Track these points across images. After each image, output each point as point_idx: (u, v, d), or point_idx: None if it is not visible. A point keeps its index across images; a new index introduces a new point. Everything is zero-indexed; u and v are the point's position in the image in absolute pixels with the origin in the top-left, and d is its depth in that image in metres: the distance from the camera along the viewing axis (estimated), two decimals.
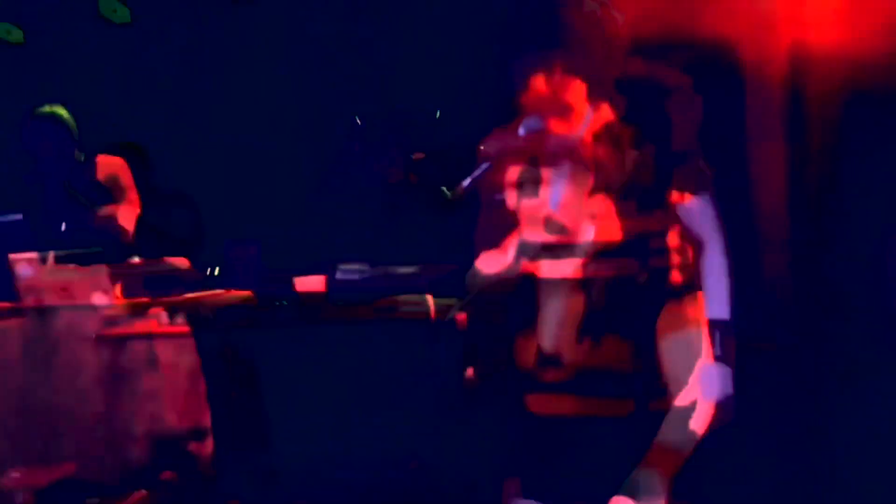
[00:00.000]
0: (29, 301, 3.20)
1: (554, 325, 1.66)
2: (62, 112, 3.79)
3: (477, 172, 1.65)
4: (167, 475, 3.06)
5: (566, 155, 1.63)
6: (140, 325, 3.17)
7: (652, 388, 1.62)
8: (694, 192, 1.66)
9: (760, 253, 3.26)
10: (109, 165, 3.87)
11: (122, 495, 3.09)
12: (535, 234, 1.64)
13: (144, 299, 3.37)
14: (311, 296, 3.00)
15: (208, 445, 3.16)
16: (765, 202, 3.25)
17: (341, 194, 4.08)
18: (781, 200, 3.22)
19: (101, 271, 3.19)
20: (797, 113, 3.20)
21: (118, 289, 3.26)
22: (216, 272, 3.05)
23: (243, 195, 4.17)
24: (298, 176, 4.19)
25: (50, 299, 3.20)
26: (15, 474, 2.80)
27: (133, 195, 3.86)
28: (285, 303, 3.06)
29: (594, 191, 1.63)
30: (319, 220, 4.04)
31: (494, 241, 1.68)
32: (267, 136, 4.27)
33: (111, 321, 3.16)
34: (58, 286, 3.20)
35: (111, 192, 3.83)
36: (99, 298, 3.22)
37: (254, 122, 4.29)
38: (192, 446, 3.13)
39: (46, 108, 3.78)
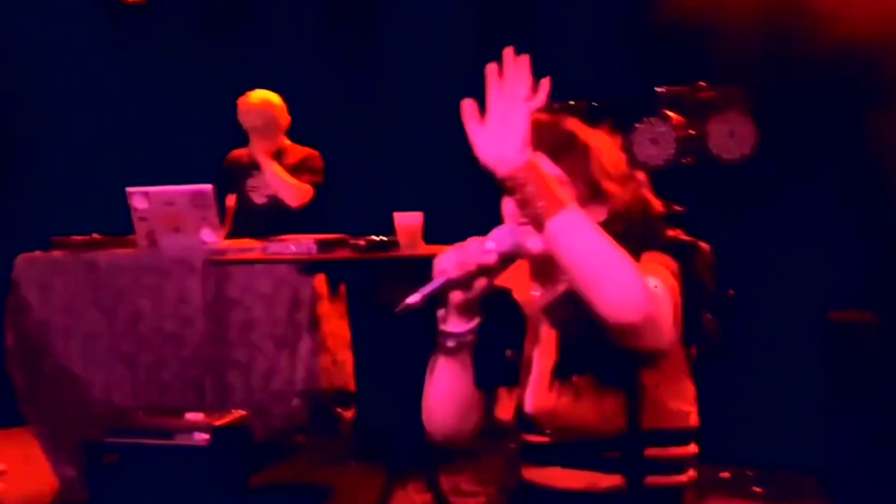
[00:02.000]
0: (142, 232, 3.40)
1: (535, 368, 1.56)
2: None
3: (431, 287, 1.45)
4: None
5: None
6: (242, 256, 3.30)
7: (643, 446, 1.51)
8: None
9: None
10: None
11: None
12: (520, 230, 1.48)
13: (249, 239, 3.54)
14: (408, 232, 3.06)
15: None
16: None
17: None
18: None
19: (212, 209, 3.34)
20: None
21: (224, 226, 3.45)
22: (382, 239, 3.13)
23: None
24: None
25: (161, 232, 3.39)
26: (196, 415, 2.96)
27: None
28: (384, 239, 3.13)
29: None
30: None
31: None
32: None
33: (217, 254, 3.30)
34: (170, 219, 3.37)
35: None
36: (207, 234, 3.38)
37: None
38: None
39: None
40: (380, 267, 3.28)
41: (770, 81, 3.41)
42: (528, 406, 1.56)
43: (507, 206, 1.53)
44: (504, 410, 1.59)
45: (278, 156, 3.90)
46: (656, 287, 1.39)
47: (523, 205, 1.37)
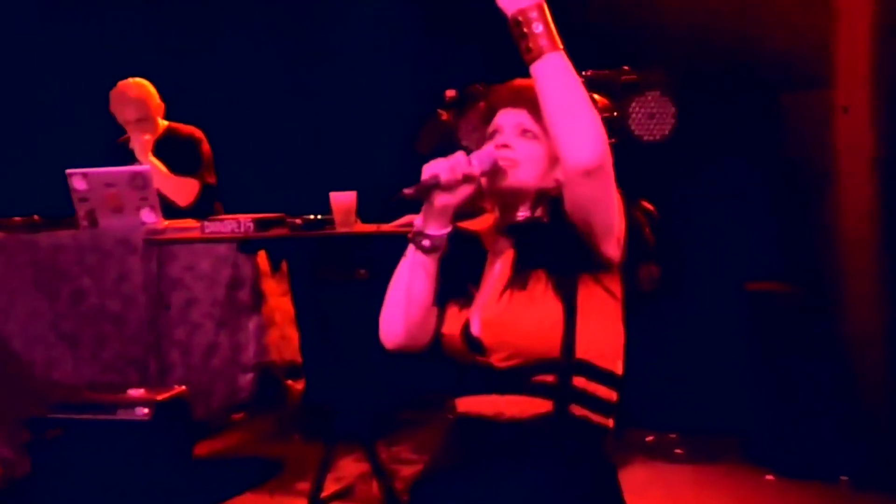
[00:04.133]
0: (82, 213, 3.44)
1: (487, 288, 1.71)
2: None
3: (424, 183, 1.64)
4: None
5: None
6: (182, 236, 3.36)
7: (575, 371, 1.63)
8: None
9: None
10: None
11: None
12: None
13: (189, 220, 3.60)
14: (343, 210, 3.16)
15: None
16: None
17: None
18: None
19: (151, 190, 3.40)
20: None
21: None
22: (318, 217, 3.21)
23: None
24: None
25: (102, 212, 3.43)
26: (138, 391, 3.02)
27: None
28: (319, 217, 3.22)
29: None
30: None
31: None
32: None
33: (156, 233, 3.36)
34: (109, 200, 3.42)
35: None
36: (147, 215, 3.43)
37: None
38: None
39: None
40: (318, 245, 3.37)
41: (690, 64, 3.58)
42: (476, 317, 1.69)
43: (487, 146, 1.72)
44: (451, 326, 1.72)
45: (161, 141, 3.83)
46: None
47: (526, 39, 1.54)
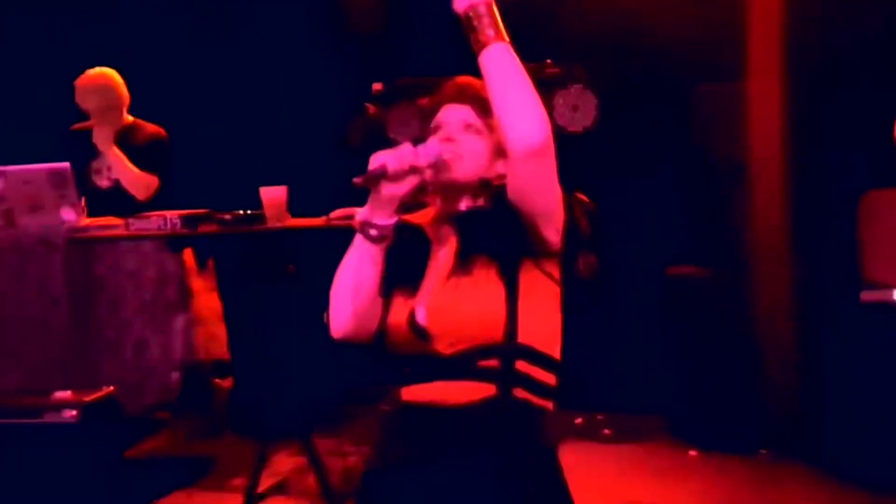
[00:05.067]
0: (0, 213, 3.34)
1: (431, 276, 1.75)
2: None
3: (372, 172, 1.68)
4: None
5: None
6: (106, 234, 3.30)
7: (518, 356, 1.69)
8: None
9: None
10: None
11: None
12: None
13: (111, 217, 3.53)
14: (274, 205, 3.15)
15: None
16: None
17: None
18: None
19: (71, 187, 3.32)
20: None
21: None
22: (248, 213, 3.18)
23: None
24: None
25: (20, 211, 3.33)
26: (64, 393, 2.96)
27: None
28: (249, 212, 3.20)
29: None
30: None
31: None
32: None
33: (78, 231, 3.29)
34: (27, 199, 3.32)
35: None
36: (67, 213, 3.35)
37: None
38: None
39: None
40: (246, 241, 3.35)
41: (609, 59, 3.69)
42: (421, 305, 1.72)
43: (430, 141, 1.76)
44: (397, 315, 1.75)
45: (124, 135, 3.79)
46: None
47: (476, 32, 1.64)
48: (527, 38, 3.72)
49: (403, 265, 1.78)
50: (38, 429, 2.90)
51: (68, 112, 3.88)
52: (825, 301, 3.47)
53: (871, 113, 3.29)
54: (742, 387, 3.53)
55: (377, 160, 1.69)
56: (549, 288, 1.75)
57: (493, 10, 1.65)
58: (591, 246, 1.77)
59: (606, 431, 3.78)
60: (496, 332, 1.68)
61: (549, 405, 1.77)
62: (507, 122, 1.61)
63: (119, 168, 3.71)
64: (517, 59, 1.63)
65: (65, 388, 3.07)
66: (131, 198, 3.73)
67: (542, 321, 1.74)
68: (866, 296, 3.22)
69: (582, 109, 3.40)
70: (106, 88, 3.78)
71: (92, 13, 4.55)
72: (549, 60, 3.53)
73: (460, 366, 1.69)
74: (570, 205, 1.73)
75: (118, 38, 4.43)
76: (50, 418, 2.91)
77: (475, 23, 1.64)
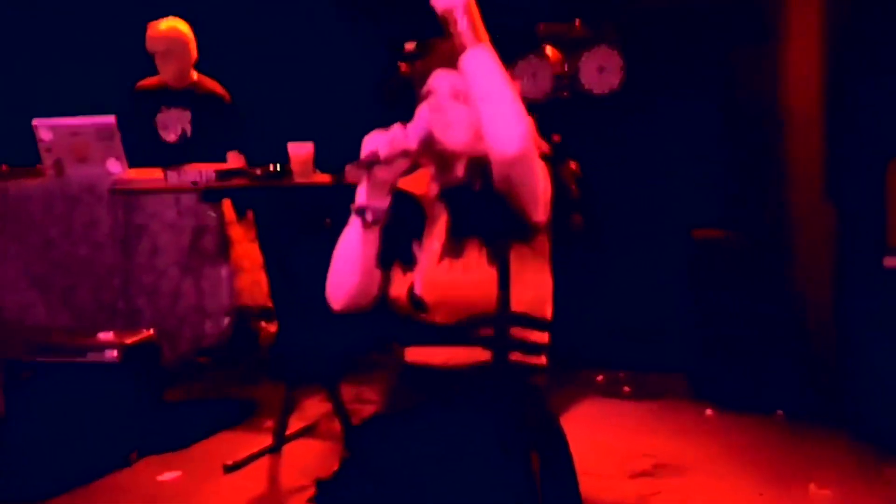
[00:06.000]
0: (49, 162, 3.51)
1: (426, 252, 1.81)
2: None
3: (364, 161, 1.71)
4: None
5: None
6: (146, 186, 3.45)
7: (511, 323, 1.76)
8: None
9: None
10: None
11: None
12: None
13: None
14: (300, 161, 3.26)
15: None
16: None
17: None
18: None
19: (116, 140, 3.47)
20: None
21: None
22: (277, 168, 3.30)
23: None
24: None
25: (68, 162, 3.50)
26: (107, 334, 3.13)
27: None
28: (279, 167, 3.32)
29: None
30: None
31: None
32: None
33: (122, 183, 3.45)
34: (75, 150, 3.49)
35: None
36: (112, 164, 3.51)
37: None
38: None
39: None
40: (284, 194, 3.47)
41: (640, 17, 3.67)
42: (418, 281, 1.80)
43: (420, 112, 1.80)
44: (397, 288, 1.83)
45: (189, 89, 3.94)
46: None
47: (454, 34, 1.66)
48: None
49: (401, 236, 1.83)
50: (81, 367, 3.09)
51: (134, 67, 4.00)
52: (853, 265, 3.47)
53: None
54: (761, 349, 3.57)
55: (369, 145, 1.73)
56: (538, 259, 1.81)
57: (470, 12, 1.64)
58: (579, 208, 1.83)
59: (627, 389, 3.86)
60: (489, 306, 1.76)
61: (542, 360, 1.86)
62: (486, 129, 1.64)
63: None
64: (496, 63, 1.64)
65: (108, 329, 3.26)
66: (195, 150, 3.84)
67: (533, 290, 1.81)
68: (890, 261, 3.22)
69: (607, 70, 3.42)
70: (176, 37, 3.90)
71: None
72: (577, 21, 3.54)
73: (458, 334, 1.78)
74: (559, 174, 1.78)
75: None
76: (93, 358, 3.10)
77: (451, 27, 1.64)
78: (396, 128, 1.75)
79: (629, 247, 3.84)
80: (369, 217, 1.79)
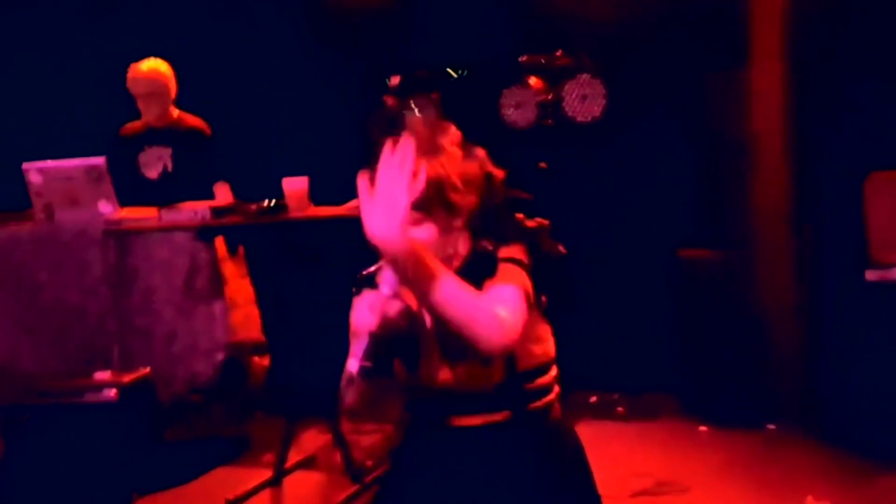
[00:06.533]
0: (39, 206, 3.51)
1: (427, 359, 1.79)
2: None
3: (366, 349, 1.63)
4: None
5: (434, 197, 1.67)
6: (139, 226, 3.46)
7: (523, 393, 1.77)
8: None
9: None
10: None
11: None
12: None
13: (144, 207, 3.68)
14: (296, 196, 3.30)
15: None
16: None
17: None
18: None
19: (106, 181, 3.48)
20: None
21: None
22: (272, 203, 3.32)
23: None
24: None
25: (58, 205, 3.51)
26: (104, 374, 3.12)
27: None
28: (273, 203, 3.36)
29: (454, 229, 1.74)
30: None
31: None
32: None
33: (114, 224, 3.46)
34: (66, 193, 3.49)
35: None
36: (103, 206, 3.52)
37: None
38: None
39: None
40: (274, 229, 3.51)
41: (618, 48, 3.78)
42: (421, 380, 1.80)
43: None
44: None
45: (170, 127, 3.97)
46: (505, 314, 1.65)
47: (403, 279, 1.58)
48: (538, 29, 3.84)
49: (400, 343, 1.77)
50: (78, 409, 3.08)
51: (115, 108, 4.02)
52: (830, 280, 3.56)
53: (873, 95, 3.36)
54: (750, 365, 3.63)
55: (359, 324, 1.66)
56: (530, 326, 1.76)
57: (417, 260, 1.53)
58: (561, 268, 1.83)
59: (620, 409, 3.91)
60: (498, 379, 1.77)
61: (556, 390, 1.87)
62: (471, 341, 1.62)
63: None
64: (454, 290, 1.58)
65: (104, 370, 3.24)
66: (176, 187, 3.85)
67: (533, 345, 1.80)
68: (871, 275, 3.31)
69: (591, 98, 3.51)
70: (155, 79, 3.92)
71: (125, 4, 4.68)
72: (559, 51, 3.63)
73: (472, 404, 1.79)
74: (538, 239, 1.79)
75: (141, 36, 4.57)
76: (91, 398, 3.09)
77: (400, 274, 1.55)
78: (369, 295, 1.69)
79: (617, 269, 3.91)
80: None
